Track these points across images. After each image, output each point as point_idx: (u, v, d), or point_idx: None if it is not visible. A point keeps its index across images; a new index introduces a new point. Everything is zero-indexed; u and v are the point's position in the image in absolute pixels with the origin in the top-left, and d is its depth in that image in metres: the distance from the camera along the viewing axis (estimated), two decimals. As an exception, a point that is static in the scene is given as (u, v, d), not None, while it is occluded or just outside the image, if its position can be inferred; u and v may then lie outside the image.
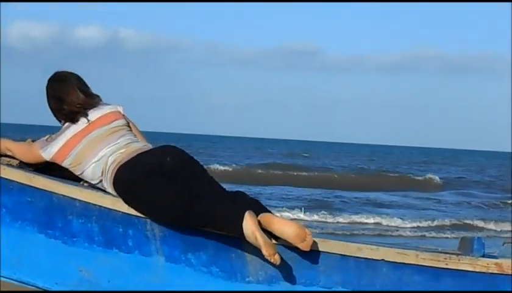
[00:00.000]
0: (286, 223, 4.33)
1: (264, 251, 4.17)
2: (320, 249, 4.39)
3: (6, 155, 4.81)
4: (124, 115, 4.83)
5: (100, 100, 4.83)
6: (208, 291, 4.40)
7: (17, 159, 4.79)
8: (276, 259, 4.19)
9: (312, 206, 18.01)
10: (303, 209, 16.59)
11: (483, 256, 4.42)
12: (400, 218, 16.23)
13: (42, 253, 4.49)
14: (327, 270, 4.41)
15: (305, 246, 4.27)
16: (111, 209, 4.43)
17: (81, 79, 4.85)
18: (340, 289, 4.40)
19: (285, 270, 4.40)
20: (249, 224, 4.20)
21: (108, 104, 4.83)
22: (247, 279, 4.40)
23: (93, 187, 4.62)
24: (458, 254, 4.43)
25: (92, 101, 4.78)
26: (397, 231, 14.80)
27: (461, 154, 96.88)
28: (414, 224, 15.77)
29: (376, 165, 43.29)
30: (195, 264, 4.41)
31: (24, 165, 4.77)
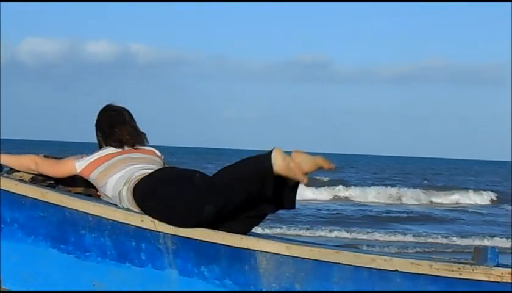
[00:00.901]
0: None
1: (299, 173, 4.37)
2: (333, 260, 4.38)
3: (18, 171, 4.84)
4: (161, 157, 5.00)
5: (146, 139, 5.01)
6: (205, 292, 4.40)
7: (30, 174, 4.81)
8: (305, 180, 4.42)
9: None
10: None
11: (497, 265, 4.39)
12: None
13: (55, 268, 4.50)
14: (340, 282, 4.39)
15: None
16: (124, 223, 4.43)
17: (132, 116, 5.05)
18: (354, 300, 4.39)
19: (298, 282, 4.39)
20: (279, 153, 4.36)
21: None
22: (260, 292, 4.39)
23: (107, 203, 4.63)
24: (471, 264, 4.41)
25: (139, 137, 4.97)
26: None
27: (478, 164, 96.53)
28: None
29: (433, 179, 43.04)
30: (208, 276, 4.40)
31: (36, 180, 4.78)
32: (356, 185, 30.80)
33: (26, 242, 4.51)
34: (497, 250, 4.44)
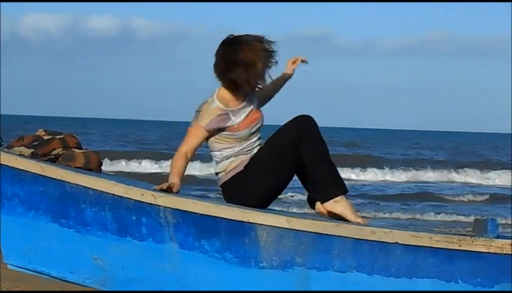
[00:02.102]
0: None
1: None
2: (333, 233, 4.39)
3: (18, 146, 4.83)
4: None
5: None
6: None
7: (30, 149, 4.80)
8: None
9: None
10: None
11: (497, 237, 4.40)
12: None
13: (56, 242, 4.51)
14: (340, 254, 4.40)
15: None
16: (124, 197, 4.44)
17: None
18: (354, 272, 4.40)
19: (299, 255, 4.40)
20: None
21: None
22: (260, 265, 4.41)
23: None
24: (471, 236, 4.41)
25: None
26: None
27: (487, 137, 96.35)
28: None
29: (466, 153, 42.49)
30: (209, 250, 4.41)
31: (37, 155, 4.78)
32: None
33: (27, 217, 4.52)
34: (497, 222, 4.44)
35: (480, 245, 4.35)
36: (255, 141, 4.89)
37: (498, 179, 26.06)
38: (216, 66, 4.86)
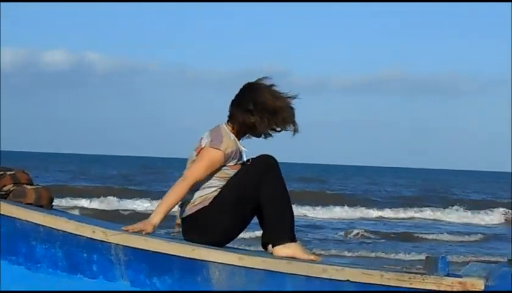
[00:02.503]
0: None
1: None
2: (285, 270, 4.39)
3: None
4: None
5: None
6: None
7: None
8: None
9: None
10: None
11: (448, 275, 4.43)
12: None
13: (6, 279, 4.45)
14: (292, 292, 4.39)
15: None
16: (75, 234, 4.40)
17: None
18: (306, 310, 4.39)
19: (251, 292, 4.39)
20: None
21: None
22: (212, 303, 4.39)
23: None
24: (422, 274, 4.44)
25: None
26: None
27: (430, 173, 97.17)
28: None
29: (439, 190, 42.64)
30: (160, 288, 4.39)
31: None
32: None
33: (-24, 254, 4.46)
34: (447, 260, 4.47)
35: (430, 283, 4.38)
36: None
37: (454, 216, 26.31)
38: (237, 105, 4.88)
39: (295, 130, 4.93)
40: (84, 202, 23.86)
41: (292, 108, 4.90)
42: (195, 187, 4.80)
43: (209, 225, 4.75)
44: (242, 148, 4.91)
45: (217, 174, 4.82)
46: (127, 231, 4.51)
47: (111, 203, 24.34)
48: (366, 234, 18.79)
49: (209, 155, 4.79)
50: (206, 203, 4.78)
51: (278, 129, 4.91)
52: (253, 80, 4.94)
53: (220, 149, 4.78)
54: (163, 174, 46.28)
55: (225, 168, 4.82)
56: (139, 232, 4.53)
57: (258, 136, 4.94)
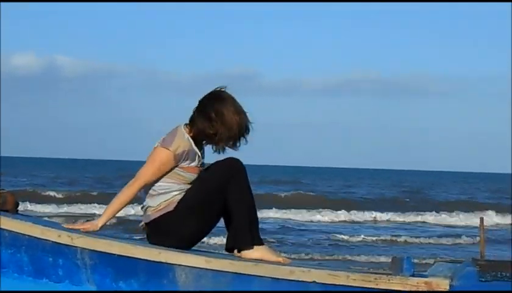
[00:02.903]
0: None
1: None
2: (252, 272, 4.40)
3: None
4: None
5: None
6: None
7: None
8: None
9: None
10: None
11: (413, 275, 4.46)
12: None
13: (-29, 285, 4.43)
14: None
15: None
16: (41, 239, 4.39)
17: None
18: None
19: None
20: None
21: None
22: (179, 306, 4.39)
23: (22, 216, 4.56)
24: (388, 274, 4.47)
25: None
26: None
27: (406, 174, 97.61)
28: None
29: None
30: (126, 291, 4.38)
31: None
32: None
33: None
34: (412, 260, 4.50)
35: (395, 283, 4.40)
36: None
37: (430, 218, 26.41)
38: (199, 110, 4.87)
39: (237, 145, 4.91)
40: (52, 208, 23.73)
41: (247, 127, 4.89)
42: (156, 190, 4.80)
43: (174, 229, 4.74)
44: (198, 151, 4.88)
45: (172, 176, 4.80)
46: (72, 228, 4.51)
47: (83, 207, 24.22)
48: (340, 236, 18.81)
49: (158, 155, 4.78)
50: (171, 208, 4.77)
51: (230, 144, 4.89)
52: (223, 83, 4.93)
53: (169, 149, 4.77)
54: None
55: (178, 169, 4.80)
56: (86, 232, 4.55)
57: (213, 147, 4.91)
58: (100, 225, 4.65)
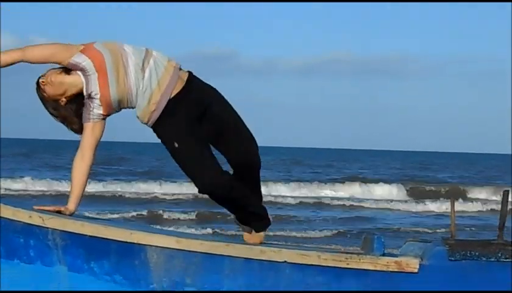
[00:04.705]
0: None
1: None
2: (223, 253, 4.41)
3: None
4: None
5: None
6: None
7: None
8: None
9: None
10: None
11: (383, 254, 4.49)
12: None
13: None
14: (231, 274, 4.43)
15: None
16: (12, 220, 4.38)
17: None
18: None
19: (189, 276, 4.41)
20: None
21: None
22: (151, 287, 4.40)
23: None
24: (358, 254, 4.49)
25: None
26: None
27: (393, 154, 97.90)
28: None
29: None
30: (98, 272, 4.39)
31: None
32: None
33: None
34: (383, 239, 4.54)
35: (366, 263, 4.43)
36: None
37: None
38: None
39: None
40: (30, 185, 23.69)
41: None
42: None
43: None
44: None
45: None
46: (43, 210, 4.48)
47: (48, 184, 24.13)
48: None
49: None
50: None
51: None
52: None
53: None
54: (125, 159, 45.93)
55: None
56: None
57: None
58: (73, 209, 4.63)
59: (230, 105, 4.77)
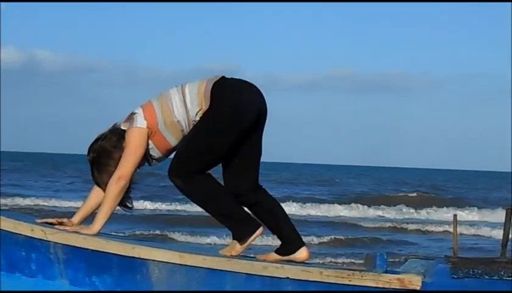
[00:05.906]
0: None
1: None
2: (226, 268, 4.40)
3: None
4: None
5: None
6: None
7: None
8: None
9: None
10: None
11: (386, 271, 4.48)
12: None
13: None
14: (233, 290, 4.41)
15: None
16: (14, 233, 4.37)
17: None
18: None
19: (191, 291, 4.39)
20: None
21: None
22: (152, 301, 4.38)
23: None
24: (361, 271, 4.48)
25: None
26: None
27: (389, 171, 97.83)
28: None
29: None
30: (99, 286, 4.37)
31: None
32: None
33: None
34: (385, 257, 4.52)
35: (368, 280, 4.42)
36: None
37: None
38: None
39: None
40: (30, 201, 23.60)
41: None
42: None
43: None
44: None
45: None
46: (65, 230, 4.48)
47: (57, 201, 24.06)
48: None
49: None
50: None
51: None
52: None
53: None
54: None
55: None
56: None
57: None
58: (76, 223, 4.63)
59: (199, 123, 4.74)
